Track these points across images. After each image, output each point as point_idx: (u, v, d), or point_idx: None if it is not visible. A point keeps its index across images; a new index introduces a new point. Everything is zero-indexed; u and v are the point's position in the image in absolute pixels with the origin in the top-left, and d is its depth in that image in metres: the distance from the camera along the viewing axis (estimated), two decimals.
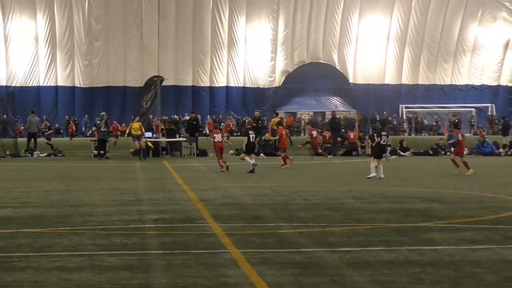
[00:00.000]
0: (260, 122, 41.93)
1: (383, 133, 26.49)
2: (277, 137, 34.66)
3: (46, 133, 47.60)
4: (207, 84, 78.12)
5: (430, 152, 41.95)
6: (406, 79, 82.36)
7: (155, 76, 44.61)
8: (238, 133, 66.75)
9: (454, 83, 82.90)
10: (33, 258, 11.07)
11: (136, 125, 38.36)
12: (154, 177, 26.94)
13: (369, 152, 33.98)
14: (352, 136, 43.91)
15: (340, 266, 10.37)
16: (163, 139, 41.57)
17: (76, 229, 13.95)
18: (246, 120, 71.30)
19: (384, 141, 26.39)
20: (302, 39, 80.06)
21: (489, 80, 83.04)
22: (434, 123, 79.48)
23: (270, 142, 39.94)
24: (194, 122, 43.19)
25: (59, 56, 74.81)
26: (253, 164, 28.27)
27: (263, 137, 40.94)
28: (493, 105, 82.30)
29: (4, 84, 73.52)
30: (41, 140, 46.20)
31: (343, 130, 46.84)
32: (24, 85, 74.18)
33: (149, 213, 16.20)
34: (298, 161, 35.77)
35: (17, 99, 71.11)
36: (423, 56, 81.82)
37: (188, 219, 15.18)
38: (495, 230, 13.60)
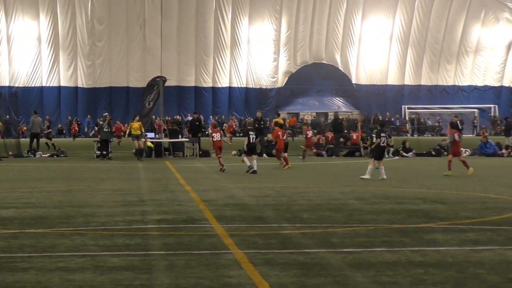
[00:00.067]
0: (262, 122, 41.93)
1: (383, 134, 26.44)
2: (273, 138, 34.71)
3: (46, 132, 47.52)
4: (210, 85, 78.11)
5: (433, 153, 41.94)
6: (408, 80, 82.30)
7: (157, 77, 44.62)
8: (240, 134, 66.74)
9: (456, 84, 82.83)
10: (35, 258, 11.07)
11: (136, 124, 38.42)
12: (156, 178, 26.95)
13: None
14: (354, 137, 43.93)
15: (343, 267, 10.36)
16: (166, 140, 41.59)
17: (79, 229, 13.95)
18: (251, 120, 71.26)
19: (383, 142, 26.34)
20: (305, 40, 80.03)
21: (492, 81, 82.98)
22: (437, 124, 79.42)
23: (273, 143, 39.93)
24: (197, 123, 43.20)
25: (62, 57, 74.84)
26: (249, 166, 28.34)
27: (265, 138, 40.97)
28: (496, 106, 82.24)
29: (7, 84, 73.58)
30: (42, 140, 46.25)
31: (345, 131, 46.82)
32: (27, 86, 74.22)
33: (151, 214, 16.21)
34: (299, 162, 35.77)
35: (20, 99, 71.08)
36: (426, 57, 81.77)
37: (191, 220, 15.18)
38: (498, 231, 13.59)
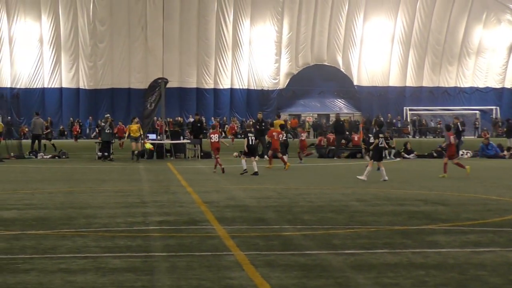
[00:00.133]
0: (263, 124, 41.92)
1: (381, 135, 26.41)
2: (268, 138, 34.74)
3: (45, 132, 47.44)
4: (212, 86, 78.10)
5: (435, 154, 41.90)
6: (410, 82, 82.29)
7: (159, 78, 44.61)
8: (242, 135, 66.70)
9: (458, 86, 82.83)
10: (37, 260, 11.08)
11: (134, 127, 38.45)
12: (158, 179, 26.95)
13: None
14: (356, 139, 43.88)
15: (344, 269, 10.36)
16: (167, 141, 41.60)
17: (80, 231, 13.96)
18: (249, 122, 71.20)
19: (381, 143, 26.33)
20: (306, 41, 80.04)
21: (493, 82, 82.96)
22: (438, 126, 79.43)
23: None
24: (198, 124, 43.18)
25: (64, 58, 74.85)
26: (244, 170, 28.37)
27: (266, 139, 40.94)
28: (498, 107, 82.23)
29: (8, 85, 73.59)
30: (44, 142, 46.26)
31: (347, 133, 46.80)
32: (28, 87, 74.21)
33: (153, 215, 16.22)
34: (301, 163, 35.75)
35: (21, 100, 71.13)
36: (428, 58, 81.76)
37: (192, 221, 15.19)
38: (500, 233, 13.59)
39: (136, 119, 40.34)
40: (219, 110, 78.53)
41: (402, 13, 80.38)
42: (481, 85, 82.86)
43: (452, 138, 28.51)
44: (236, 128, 70.50)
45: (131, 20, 74.89)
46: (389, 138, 43.11)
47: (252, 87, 79.20)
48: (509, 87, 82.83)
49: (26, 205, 18.29)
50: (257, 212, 16.77)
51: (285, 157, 32.99)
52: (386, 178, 25.20)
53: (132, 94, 74.87)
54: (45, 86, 74.78)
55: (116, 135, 45.67)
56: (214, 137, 30.28)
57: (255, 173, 28.04)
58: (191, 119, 63.68)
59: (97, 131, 55.70)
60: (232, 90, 78.88)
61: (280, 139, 33.85)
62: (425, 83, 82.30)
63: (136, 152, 38.47)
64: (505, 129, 58.55)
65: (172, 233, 13.61)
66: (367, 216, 16.00)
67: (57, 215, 16.36)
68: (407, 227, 14.33)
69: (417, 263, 10.78)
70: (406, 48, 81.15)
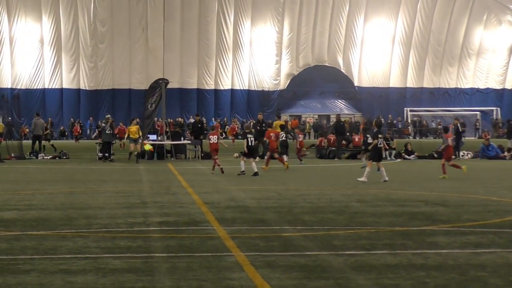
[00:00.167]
0: (264, 125, 41.93)
1: (380, 135, 26.40)
2: (266, 139, 34.75)
3: (44, 133, 47.38)
4: (212, 87, 78.10)
5: (435, 155, 41.88)
6: (411, 83, 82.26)
7: (160, 79, 44.64)
8: (241, 136, 66.72)
9: (459, 87, 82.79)
10: (37, 260, 11.09)
11: (133, 128, 38.47)
12: (158, 180, 26.96)
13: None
14: (357, 140, 43.88)
15: (345, 270, 10.37)
16: (168, 142, 41.60)
17: (81, 231, 13.97)
18: (248, 124, 71.17)
19: (380, 144, 26.31)
20: (307, 42, 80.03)
21: (494, 83, 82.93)
22: (438, 126, 79.36)
23: None
24: (199, 125, 43.18)
25: (64, 59, 74.86)
26: (242, 171, 28.39)
27: (266, 140, 40.90)
28: (498, 108, 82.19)
29: (9, 86, 73.57)
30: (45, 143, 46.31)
31: (347, 134, 46.80)
32: (29, 88, 74.20)
33: (153, 216, 16.22)
34: (302, 164, 35.75)
35: (22, 101, 71.07)
36: (428, 59, 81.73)
37: (193, 222, 15.19)
38: (500, 234, 13.59)
39: (135, 121, 40.34)
40: (220, 110, 78.52)
41: (403, 14, 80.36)
42: (481, 86, 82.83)
43: (450, 140, 28.53)
44: (236, 129, 70.49)
45: (131, 20, 74.89)
46: (389, 139, 43.20)
47: (252, 88, 79.19)
48: (509, 88, 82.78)
49: (27, 205, 18.29)
50: (258, 213, 16.78)
51: (285, 157, 32.99)
52: (387, 178, 25.20)
53: (132, 94, 74.87)
54: (46, 86, 74.77)
55: (117, 135, 45.65)
56: (213, 138, 30.31)
57: (255, 174, 28.06)
58: (192, 120, 63.67)
59: (98, 131, 55.67)
60: (232, 90, 78.88)
61: (281, 138, 33.89)
62: (426, 84, 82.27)
63: (136, 153, 38.47)
64: (505, 130, 58.51)
65: (172, 234, 13.61)
66: (368, 217, 16.00)
67: (57, 215, 16.36)
68: (408, 228, 14.33)
69: (417, 264, 10.79)
70: (407, 49, 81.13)
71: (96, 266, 10.61)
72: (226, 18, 77.04)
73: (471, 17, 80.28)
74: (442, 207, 17.99)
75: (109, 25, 74.54)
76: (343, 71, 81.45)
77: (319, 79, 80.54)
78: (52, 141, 47.88)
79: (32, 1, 73.30)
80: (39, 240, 12.90)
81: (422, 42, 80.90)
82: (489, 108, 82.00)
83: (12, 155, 41.01)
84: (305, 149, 43.47)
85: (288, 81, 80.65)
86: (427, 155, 42.64)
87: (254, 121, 57.98)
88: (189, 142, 43.17)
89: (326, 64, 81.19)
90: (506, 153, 42.64)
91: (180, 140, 43.56)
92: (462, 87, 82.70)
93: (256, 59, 78.71)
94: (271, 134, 33.18)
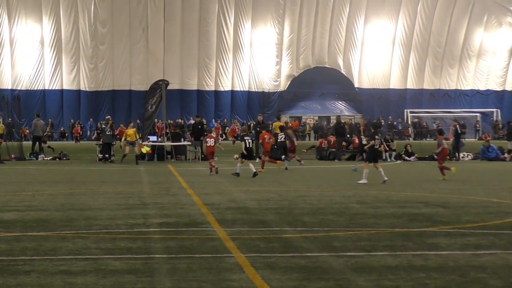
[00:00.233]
0: (264, 126, 41.89)
1: (377, 136, 26.38)
2: (260, 140, 34.79)
3: (43, 135, 47.21)
4: (212, 88, 78.18)
5: (435, 157, 41.79)
6: (411, 84, 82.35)
7: (160, 80, 44.64)
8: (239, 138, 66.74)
9: (459, 88, 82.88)
10: (37, 261, 11.08)
11: (130, 131, 38.48)
12: (159, 181, 26.94)
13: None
14: (357, 141, 43.85)
15: (345, 271, 10.36)
16: (168, 143, 41.60)
17: (81, 232, 13.96)
18: (245, 126, 71.14)
19: (377, 145, 26.29)
20: (307, 44, 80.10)
21: (494, 85, 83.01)
22: (437, 128, 79.40)
23: (275, 146, 39.90)
24: (199, 126, 43.16)
25: (65, 60, 74.94)
26: (237, 172, 28.42)
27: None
28: (498, 110, 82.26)
29: (9, 87, 73.66)
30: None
31: (348, 135, 46.79)
32: (29, 89, 74.30)
33: (154, 217, 16.21)
34: (302, 166, 35.72)
35: (22, 102, 71.01)
36: (429, 61, 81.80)
37: (193, 223, 15.18)
38: (500, 235, 13.59)
39: (132, 123, 40.32)
40: (220, 112, 78.59)
41: (403, 15, 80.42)
42: (481, 87, 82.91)
43: (445, 142, 28.56)
44: (237, 130, 70.53)
45: (132, 22, 74.97)
46: (390, 140, 43.18)
47: (253, 89, 79.27)
48: (509, 89, 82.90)
49: (27, 206, 18.28)
50: (258, 214, 16.77)
51: (286, 161, 33.07)
52: (386, 178, 25.18)
53: (133, 96, 74.94)
54: (46, 87, 74.86)
55: (117, 137, 45.63)
56: (210, 141, 30.32)
57: (255, 174, 28.06)
58: (192, 121, 63.68)
59: (98, 133, 55.67)
60: (233, 92, 78.96)
61: (280, 139, 33.87)
62: (426, 86, 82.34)
63: (135, 154, 38.47)
64: (505, 132, 58.50)
65: (172, 235, 13.61)
66: (368, 218, 15.99)
67: (57, 216, 16.36)
68: (408, 230, 14.33)
69: (417, 265, 10.78)
70: (407, 50, 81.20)
71: (96, 267, 10.61)
72: (227, 19, 77.11)
73: (471, 19, 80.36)
74: (442, 208, 17.98)
75: (110, 26, 74.62)
76: (343, 73, 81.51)
77: (319, 81, 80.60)
78: (48, 143, 47.61)
79: (33, 2, 73.37)
80: (39, 241, 12.90)
81: (422, 44, 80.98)
82: (489, 109, 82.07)
83: (12, 156, 40.99)
84: (305, 151, 43.52)
85: (288, 82, 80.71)
86: (427, 156, 42.57)
87: (254, 123, 58.03)
88: (189, 143, 43.17)
89: (326, 66, 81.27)
90: (506, 155, 42.61)
91: (180, 142, 43.55)
92: (462, 88, 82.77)
93: (257, 60, 78.79)
94: (265, 136, 33.26)
